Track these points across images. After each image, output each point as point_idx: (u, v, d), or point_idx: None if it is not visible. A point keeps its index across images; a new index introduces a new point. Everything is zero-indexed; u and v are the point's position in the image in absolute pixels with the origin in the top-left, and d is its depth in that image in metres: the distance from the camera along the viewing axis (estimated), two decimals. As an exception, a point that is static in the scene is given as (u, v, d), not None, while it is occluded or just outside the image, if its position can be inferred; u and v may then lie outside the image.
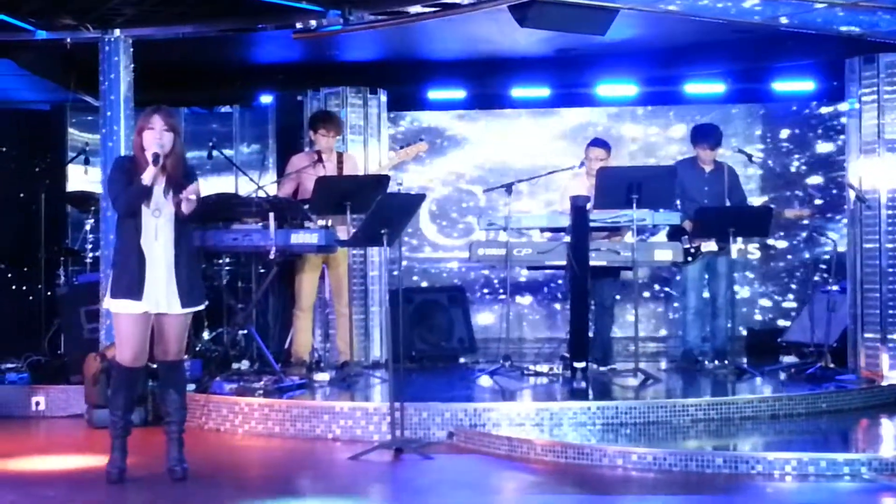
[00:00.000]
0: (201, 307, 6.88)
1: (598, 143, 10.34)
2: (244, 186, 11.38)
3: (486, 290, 12.47)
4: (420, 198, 8.15)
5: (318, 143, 9.85)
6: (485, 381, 9.52)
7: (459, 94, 12.30)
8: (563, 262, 9.59)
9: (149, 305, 6.57)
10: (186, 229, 6.75)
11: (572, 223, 9.42)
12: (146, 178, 6.51)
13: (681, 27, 9.68)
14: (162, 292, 6.59)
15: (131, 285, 6.54)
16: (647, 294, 12.23)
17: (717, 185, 10.21)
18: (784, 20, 9.11)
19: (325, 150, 9.81)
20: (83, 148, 11.58)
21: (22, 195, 11.73)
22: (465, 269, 12.38)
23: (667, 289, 12.25)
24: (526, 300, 12.45)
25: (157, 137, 6.57)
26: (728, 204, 10.17)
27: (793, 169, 12.14)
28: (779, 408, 8.46)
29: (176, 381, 6.84)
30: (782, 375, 9.61)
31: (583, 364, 9.33)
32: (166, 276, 6.60)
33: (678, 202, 10.02)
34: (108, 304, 6.68)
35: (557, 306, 12.29)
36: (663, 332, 12.34)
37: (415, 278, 12.48)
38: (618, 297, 10.64)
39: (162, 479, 6.69)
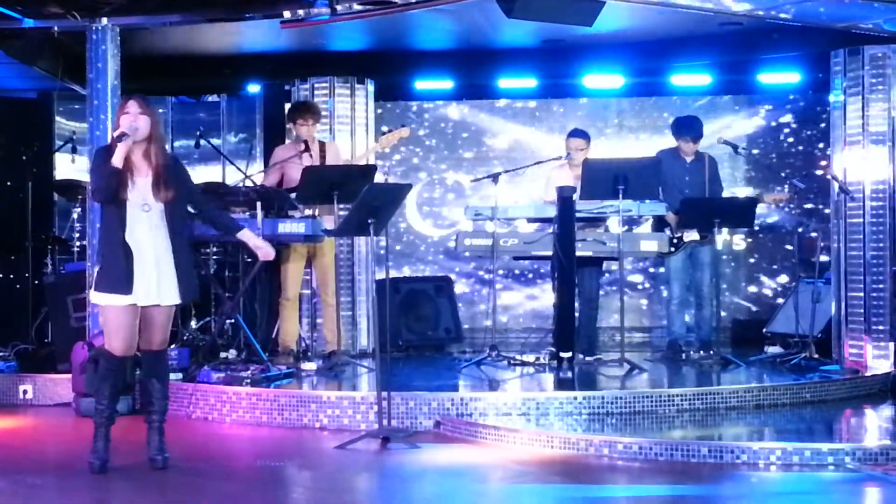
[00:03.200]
0: (196, 298, 6.95)
1: (577, 133, 10.37)
2: (231, 176, 11.40)
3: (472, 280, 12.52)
4: (406, 188, 8.17)
5: (299, 133, 9.86)
6: (471, 371, 9.57)
7: (447, 84, 12.32)
8: (550, 253, 9.64)
9: (137, 299, 6.56)
10: (181, 221, 6.72)
11: (559, 213, 9.47)
12: (115, 159, 6.46)
13: (667, 19, 9.71)
14: (153, 285, 6.57)
15: (119, 280, 6.50)
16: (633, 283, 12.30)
17: (697, 175, 10.30)
18: (764, 12, 9.17)
19: (307, 140, 9.82)
20: (70, 136, 11.58)
21: (9, 183, 11.72)
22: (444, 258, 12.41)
23: (647, 283, 12.29)
24: (512, 290, 12.49)
25: (131, 121, 6.53)
26: (707, 194, 10.24)
27: (777, 160, 12.18)
28: (763, 398, 8.51)
29: (159, 371, 6.85)
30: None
31: (569, 354, 9.39)
32: (157, 269, 6.57)
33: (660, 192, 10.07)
34: (94, 297, 6.65)
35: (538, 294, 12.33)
36: (648, 322, 12.39)
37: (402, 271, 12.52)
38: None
39: (147, 469, 6.71)
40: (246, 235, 7.09)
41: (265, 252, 7.13)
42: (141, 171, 6.59)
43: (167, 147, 6.95)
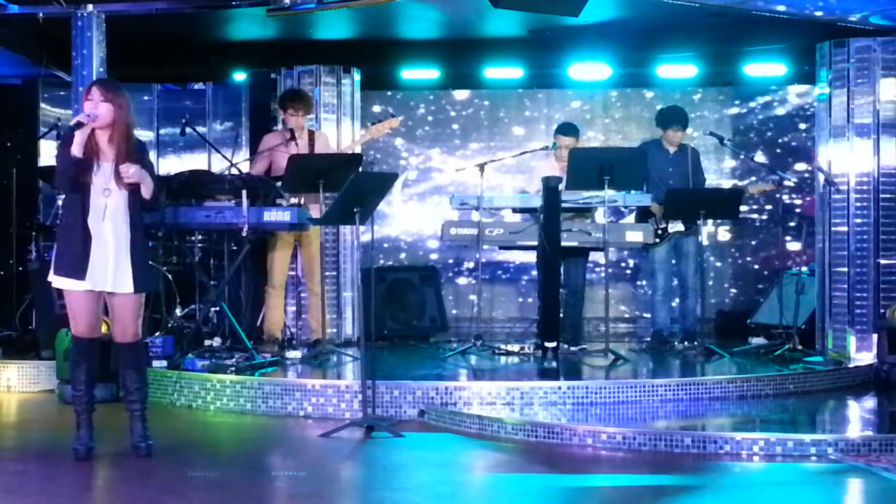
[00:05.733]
0: (150, 290, 6.88)
1: (568, 129, 10.36)
2: (217, 164, 11.36)
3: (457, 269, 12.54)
4: (393, 177, 8.16)
5: (288, 122, 9.86)
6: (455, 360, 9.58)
7: (433, 73, 12.31)
8: (535, 243, 9.64)
9: (92, 284, 6.53)
10: (140, 209, 6.69)
11: (544, 203, 9.47)
12: (74, 147, 6.44)
13: (654, 10, 9.72)
14: (109, 272, 6.54)
15: (73, 264, 6.50)
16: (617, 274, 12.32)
17: (681, 167, 10.32)
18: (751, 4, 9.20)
19: (295, 129, 9.81)
20: (55, 123, 11.49)
21: (-7, 170, 11.67)
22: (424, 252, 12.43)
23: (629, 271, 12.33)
24: (498, 280, 12.51)
25: (91, 107, 6.51)
26: (690, 185, 10.26)
27: (763, 152, 12.20)
28: (747, 388, 8.54)
29: (136, 361, 6.81)
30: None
31: (553, 344, 9.41)
32: (115, 257, 6.54)
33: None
34: (52, 279, 6.64)
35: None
36: (634, 313, 12.42)
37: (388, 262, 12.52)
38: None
39: (131, 456, 6.70)
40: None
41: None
42: (107, 156, 6.57)
43: (146, 133, 6.86)
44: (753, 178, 12.02)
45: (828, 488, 6.42)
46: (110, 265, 6.54)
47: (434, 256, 12.47)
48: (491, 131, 12.59)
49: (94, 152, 6.53)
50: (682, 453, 7.01)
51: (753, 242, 12.37)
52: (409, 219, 12.63)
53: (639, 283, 12.38)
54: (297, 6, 9.26)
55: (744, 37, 10.90)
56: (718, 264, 12.37)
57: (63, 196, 10.67)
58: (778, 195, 11.97)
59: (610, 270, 10.64)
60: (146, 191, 6.59)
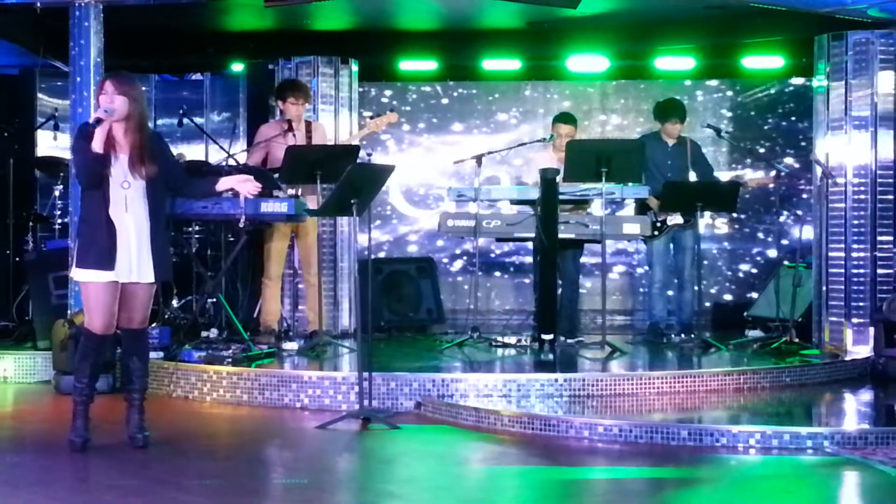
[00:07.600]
0: (169, 279, 6.93)
1: (565, 118, 10.37)
2: (214, 154, 11.36)
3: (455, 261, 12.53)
4: (390, 168, 8.15)
5: (287, 112, 9.84)
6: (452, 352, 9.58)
7: (431, 65, 12.30)
8: (532, 235, 9.64)
9: (119, 275, 6.56)
10: (160, 199, 6.73)
11: (541, 195, 9.46)
12: (95, 143, 6.46)
13: (652, 1, 9.70)
14: (134, 262, 6.58)
15: (101, 256, 6.50)
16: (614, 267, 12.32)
17: (680, 159, 10.33)
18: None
19: (294, 119, 9.80)
20: (52, 113, 11.50)
21: (-10, 160, 11.66)
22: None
23: (635, 261, 12.32)
24: (495, 272, 12.51)
25: (108, 102, 6.53)
26: (692, 177, 10.26)
27: (761, 144, 12.20)
28: (743, 381, 8.55)
29: (140, 349, 6.85)
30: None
31: (550, 336, 9.40)
32: (137, 247, 6.58)
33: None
34: (77, 274, 6.63)
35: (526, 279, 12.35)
36: (630, 306, 12.43)
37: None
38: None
39: (127, 447, 6.70)
40: (225, 183, 6.97)
41: (252, 185, 6.96)
42: (123, 148, 6.59)
43: (149, 124, 6.90)
44: (743, 175, 12.00)
45: (824, 481, 6.42)
46: (133, 255, 6.58)
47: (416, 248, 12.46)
48: (488, 122, 12.57)
49: (111, 145, 6.55)
50: (679, 446, 7.01)
51: (751, 234, 12.36)
52: (407, 210, 12.61)
53: (634, 274, 12.38)
54: (294, -3, 9.24)
55: (742, 29, 10.88)
56: (715, 253, 12.36)
57: (61, 186, 10.80)
58: (776, 188, 11.95)
59: (611, 272, 10.58)
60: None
